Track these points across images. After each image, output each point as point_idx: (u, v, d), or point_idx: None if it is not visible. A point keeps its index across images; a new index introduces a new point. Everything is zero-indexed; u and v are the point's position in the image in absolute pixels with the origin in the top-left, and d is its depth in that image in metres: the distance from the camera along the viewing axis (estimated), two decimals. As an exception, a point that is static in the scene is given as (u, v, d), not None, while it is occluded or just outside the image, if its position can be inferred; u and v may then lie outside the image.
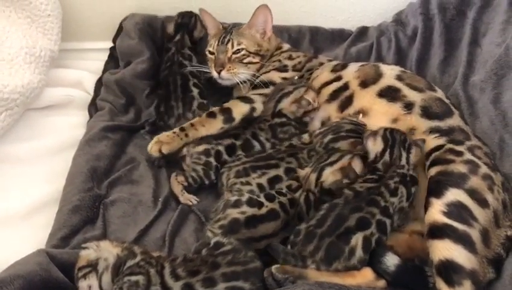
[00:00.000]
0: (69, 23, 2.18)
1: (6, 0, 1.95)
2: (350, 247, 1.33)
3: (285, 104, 1.78)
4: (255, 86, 1.92)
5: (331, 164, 1.50)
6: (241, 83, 1.93)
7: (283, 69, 1.97)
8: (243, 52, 1.95)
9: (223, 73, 1.91)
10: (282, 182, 1.57)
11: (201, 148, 1.69)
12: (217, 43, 1.98)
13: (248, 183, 1.57)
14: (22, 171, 1.69)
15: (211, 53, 2.00)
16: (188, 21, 2.14)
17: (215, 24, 2.08)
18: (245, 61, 1.95)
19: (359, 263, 1.34)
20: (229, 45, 1.95)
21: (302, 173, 1.54)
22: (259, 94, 1.86)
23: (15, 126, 1.79)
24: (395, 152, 1.49)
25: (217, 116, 1.78)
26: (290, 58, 2.02)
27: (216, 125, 1.77)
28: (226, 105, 1.83)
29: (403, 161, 1.48)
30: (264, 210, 1.44)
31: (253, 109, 1.82)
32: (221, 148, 1.69)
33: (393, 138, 1.50)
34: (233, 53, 1.94)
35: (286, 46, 2.12)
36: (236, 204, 1.45)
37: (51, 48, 1.99)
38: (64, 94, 2.00)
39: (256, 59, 1.98)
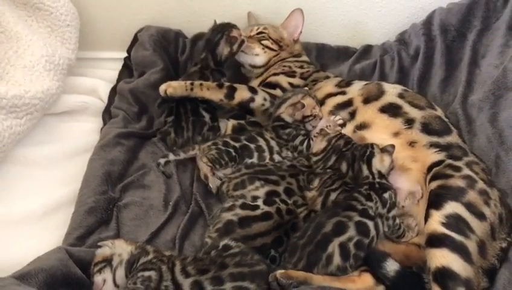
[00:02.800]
0: (86, 34, 2.26)
1: (29, 10, 2.04)
2: (327, 254, 1.40)
3: (283, 109, 1.87)
4: (265, 85, 2.04)
5: (335, 190, 1.59)
6: (251, 67, 2.14)
7: (291, 74, 2.08)
8: (264, 35, 2.14)
9: None
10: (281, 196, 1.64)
11: (209, 142, 1.81)
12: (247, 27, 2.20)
13: (243, 196, 1.63)
14: (39, 174, 1.75)
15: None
16: (213, 38, 2.06)
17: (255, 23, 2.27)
18: (263, 42, 2.13)
19: (338, 270, 1.40)
20: (255, 27, 2.17)
21: (309, 195, 1.63)
22: (265, 91, 1.98)
23: (33, 130, 1.85)
24: (356, 167, 1.58)
25: (222, 89, 1.94)
26: (301, 67, 2.13)
27: (218, 95, 1.93)
28: (234, 85, 1.97)
29: (365, 173, 1.57)
30: (258, 212, 1.53)
31: (252, 99, 1.95)
32: (227, 139, 1.81)
33: (353, 155, 1.61)
34: (257, 34, 2.14)
35: (305, 58, 2.23)
36: (231, 208, 1.54)
37: (69, 57, 2.06)
38: (80, 101, 2.06)
39: (274, 46, 2.16)
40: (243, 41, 2.06)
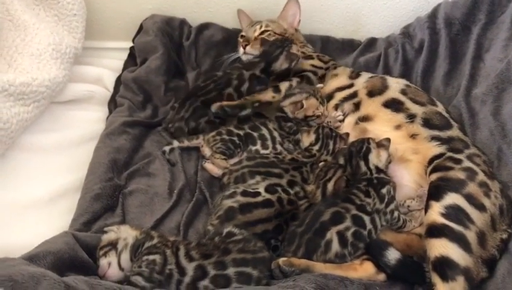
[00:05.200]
0: (93, 23, 2.29)
1: (36, -1, 2.07)
2: (326, 241, 1.43)
3: (286, 103, 1.90)
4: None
5: (330, 179, 1.61)
6: None
7: (308, 56, 2.13)
8: (269, 32, 2.14)
9: (248, 48, 2.13)
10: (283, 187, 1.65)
11: (213, 132, 1.83)
12: (248, 27, 2.20)
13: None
14: (45, 161, 1.77)
15: (242, 36, 2.19)
16: (273, 51, 2.05)
17: (249, 21, 2.27)
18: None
19: (337, 257, 1.43)
20: (258, 26, 2.17)
21: (308, 189, 1.65)
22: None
23: (40, 118, 1.87)
24: (353, 163, 1.61)
25: (268, 90, 1.98)
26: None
27: (268, 94, 1.97)
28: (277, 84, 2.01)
29: (363, 168, 1.59)
30: (259, 199, 1.55)
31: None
32: (231, 127, 1.84)
33: (350, 152, 1.63)
34: (261, 33, 2.14)
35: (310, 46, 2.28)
36: (232, 195, 1.56)
37: (75, 46, 2.08)
38: (86, 90, 2.08)
39: None
40: (299, 58, 2.08)
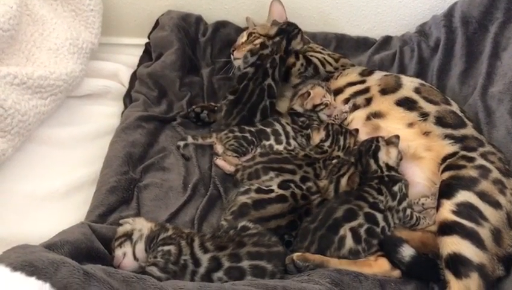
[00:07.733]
0: (109, 19, 2.30)
1: (54, -6, 2.09)
2: (339, 237, 1.43)
3: (294, 101, 1.93)
4: None
5: (343, 175, 1.61)
6: None
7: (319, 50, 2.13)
8: (255, 34, 2.12)
9: (235, 53, 2.12)
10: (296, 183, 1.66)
11: (225, 130, 1.85)
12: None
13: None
14: (62, 154, 1.79)
15: None
16: (290, 30, 2.06)
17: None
18: (256, 42, 2.09)
19: (350, 254, 1.43)
20: (245, 32, 2.17)
21: (321, 184, 1.65)
22: None
23: (57, 112, 1.89)
24: (363, 162, 1.60)
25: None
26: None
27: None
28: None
29: (373, 167, 1.58)
30: (272, 195, 1.56)
31: None
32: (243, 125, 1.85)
33: (359, 151, 1.63)
34: (247, 38, 2.13)
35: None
36: (246, 192, 1.57)
37: (92, 41, 2.10)
38: (102, 85, 2.10)
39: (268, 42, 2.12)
40: (309, 42, 2.15)
